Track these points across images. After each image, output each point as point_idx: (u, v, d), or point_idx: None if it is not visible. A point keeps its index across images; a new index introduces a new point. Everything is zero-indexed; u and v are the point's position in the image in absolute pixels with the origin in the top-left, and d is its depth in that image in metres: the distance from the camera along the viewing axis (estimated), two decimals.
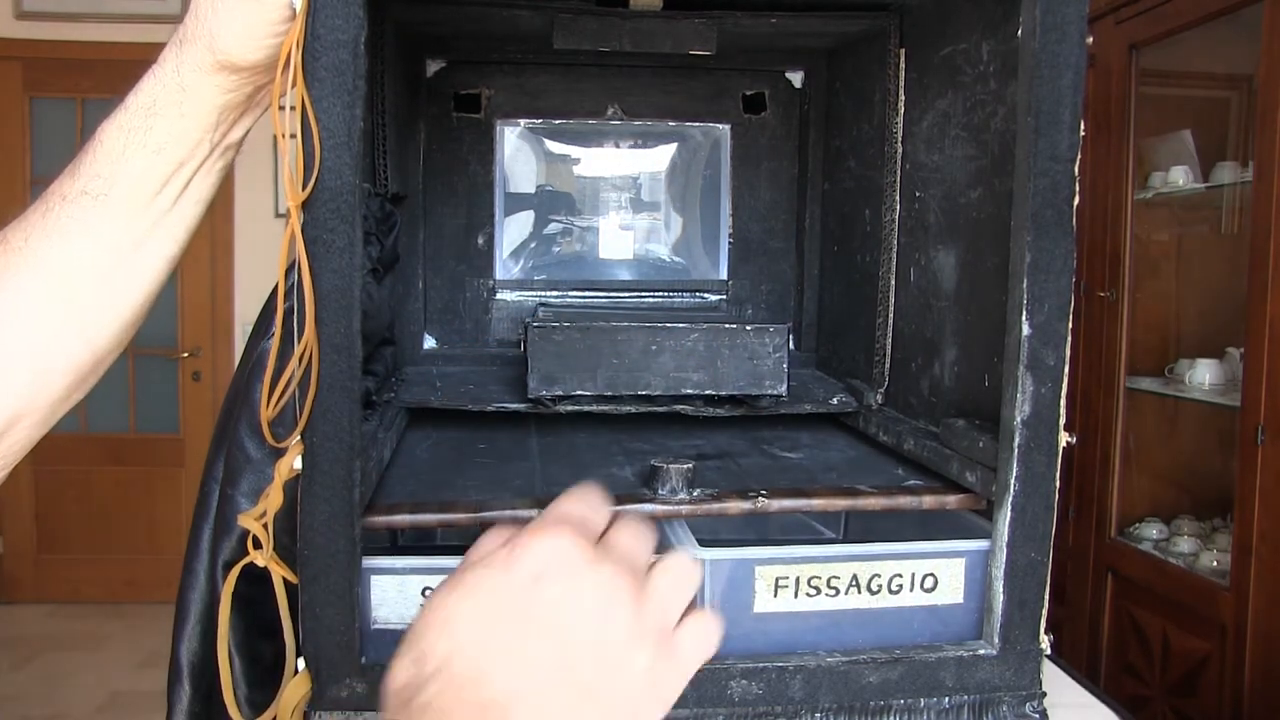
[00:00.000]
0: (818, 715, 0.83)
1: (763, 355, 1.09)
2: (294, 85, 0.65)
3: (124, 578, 4.06)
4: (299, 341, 0.69)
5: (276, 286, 0.83)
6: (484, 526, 0.83)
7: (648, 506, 0.89)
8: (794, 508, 0.93)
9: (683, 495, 0.90)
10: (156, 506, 4.07)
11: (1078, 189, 0.80)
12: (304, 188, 0.67)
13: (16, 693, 3.26)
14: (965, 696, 0.85)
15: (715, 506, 0.90)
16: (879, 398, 1.18)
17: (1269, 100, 2.02)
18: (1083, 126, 0.79)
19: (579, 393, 1.08)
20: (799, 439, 1.17)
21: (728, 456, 1.07)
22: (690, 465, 0.91)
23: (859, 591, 0.87)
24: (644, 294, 1.39)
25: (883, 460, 1.08)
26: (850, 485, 0.96)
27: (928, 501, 0.94)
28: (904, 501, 0.94)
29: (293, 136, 0.67)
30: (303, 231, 0.68)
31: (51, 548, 4.05)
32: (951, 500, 0.93)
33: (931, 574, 0.88)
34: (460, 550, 0.84)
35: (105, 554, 4.06)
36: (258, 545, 0.73)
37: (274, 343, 0.71)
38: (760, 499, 0.91)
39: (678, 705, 0.82)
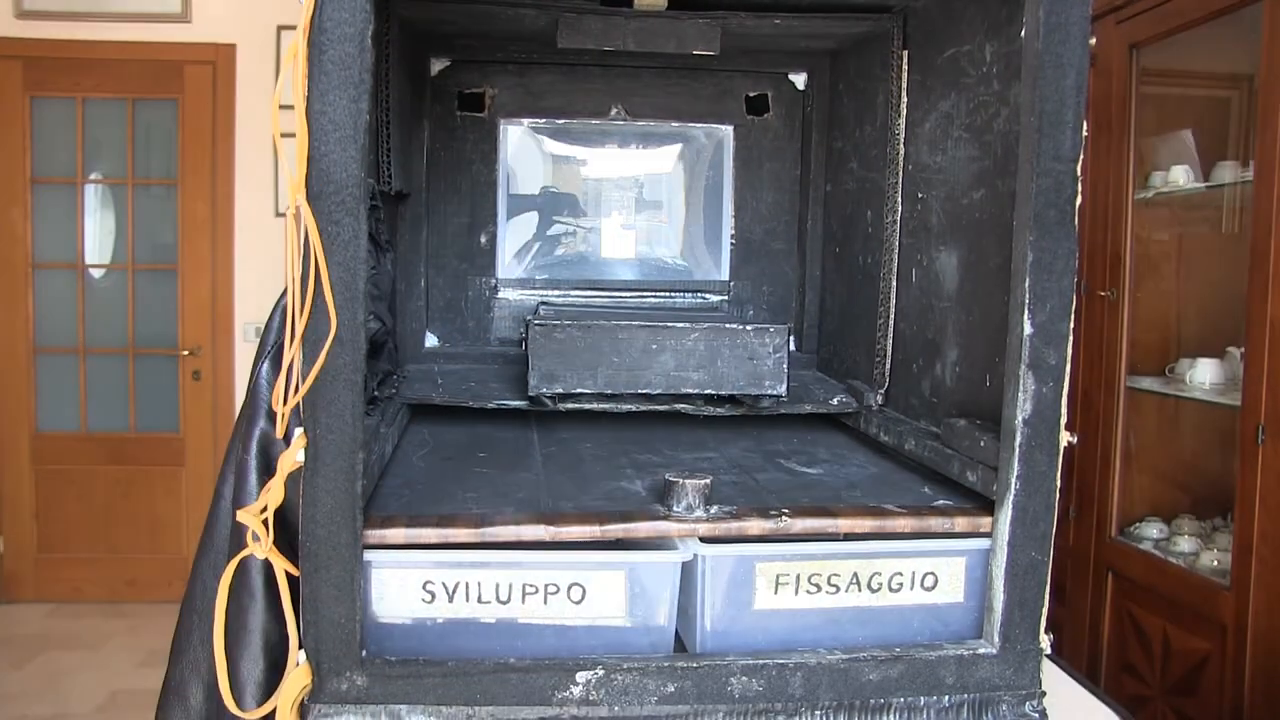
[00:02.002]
0: (818, 712, 0.83)
1: (763, 355, 1.10)
2: (302, 78, 0.65)
3: (124, 577, 4.06)
4: (300, 331, 0.69)
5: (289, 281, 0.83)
6: (487, 545, 0.82)
7: (663, 525, 0.85)
8: (818, 528, 0.88)
9: (700, 513, 0.86)
10: (157, 506, 4.06)
11: (1079, 189, 0.80)
12: (307, 181, 0.68)
13: (16, 692, 3.26)
14: (965, 695, 0.85)
15: (734, 525, 0.86)
16: (879, 398, 1.18)
17: (1269, 100, 2.02)
18: (1084, 126, 0.80)
19: (579, 390, 1.08)
20: (816, 454, 1.13)
21: (743, 470, 1.04)
22: (707, 481, 0.87)
23: (859, 589, 0.87)
24: (646, 294, 1.39)
25: (907, 476, 1.04)
26: (877, 505, 0.92)
27: (960, 524, 0.89)
28: (935, 523, 0.89)
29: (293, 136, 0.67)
30: (305, 224, 0.69)
31: (51, 547, 4.04)
32: (985, 522, 0.88)
33: (932, 572, 0.88)
34: (465, 547, 0.84)
35: (105, 553, 4.06)
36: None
37: (298, 328, 0.71)
38: (783, 517, 0.87)
39: (679, 702, 0.82)
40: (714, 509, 0.87)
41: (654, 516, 0.86)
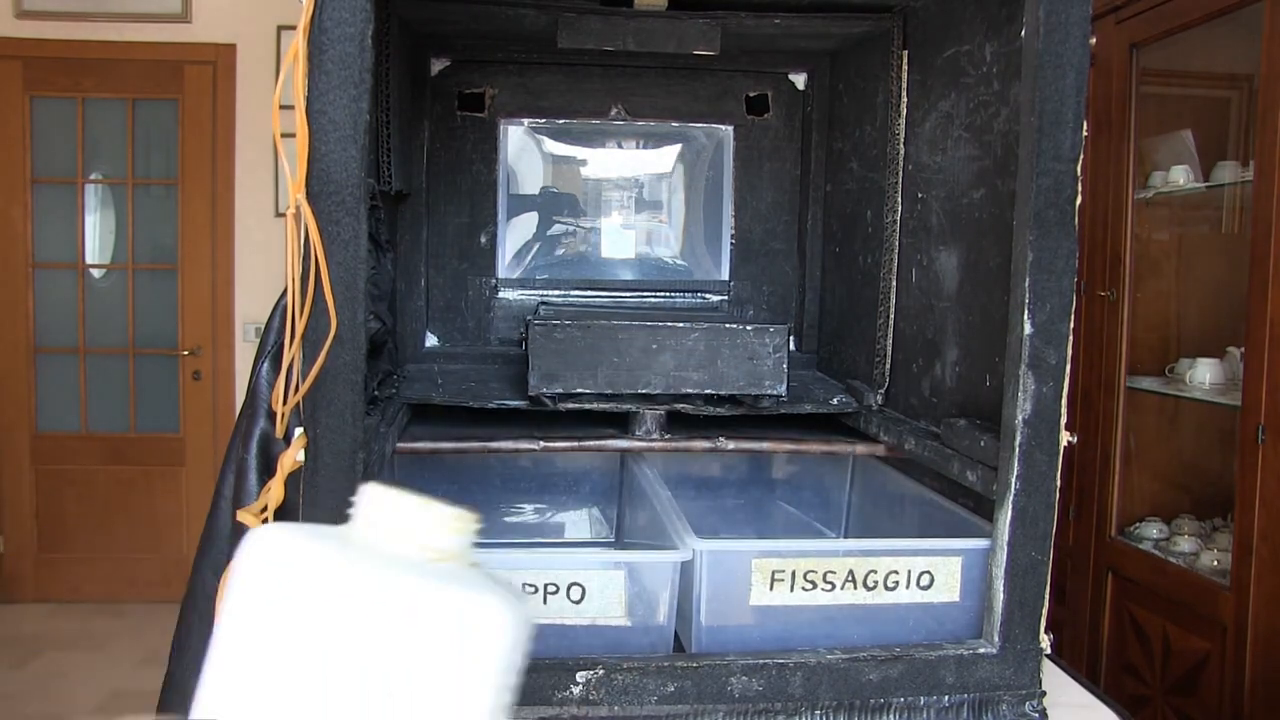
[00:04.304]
0: (818, 712, 0.83)
1: (762, 355, 1.10)
2: (301, 77, 0.65)
3: (124, 577, 4.06)
4: (300, 329, 0.69)
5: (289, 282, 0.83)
6: (492, 453, 1.12)
7: (626, 441, 1.10)
8: (748, 449, 1.15)
9: (655, 436, 1.10)
10: (157, 505, 4.06)
11: (1080, 188, 0.80)
12: (307, 180, 0.68)
13: (16, 692, 3.26)
14: (965, 695, 0.85)
15: (682, 444, 1.10)
16: (879, 398, 1.18)
17: (1269, 100, 2.02)
18: (1084, 126, 0.80)
19: (579, 390, 1.08)
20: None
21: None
22: (662, 412, 1.10)
23: (855, 587, 0.87)
24: (646, 294, 1.39)
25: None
26: (798, 435, 1.17)
27: (860, 449, 1.15)
28: (839, 448, 1.17)
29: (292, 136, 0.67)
30: (306, 223, 0.69)
31: (52, 547, 4.04)
32: (880, 448, 1.13)
33: (928, 571, 0.88)
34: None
35: (105, 553, 4.05)
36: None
37: (298, 328, 0.71)
38: (720, 439, 1.11)
39: (679, 701, 0.82)
40: (667, 435, 1.11)
41: (621, 437, 1.10)
